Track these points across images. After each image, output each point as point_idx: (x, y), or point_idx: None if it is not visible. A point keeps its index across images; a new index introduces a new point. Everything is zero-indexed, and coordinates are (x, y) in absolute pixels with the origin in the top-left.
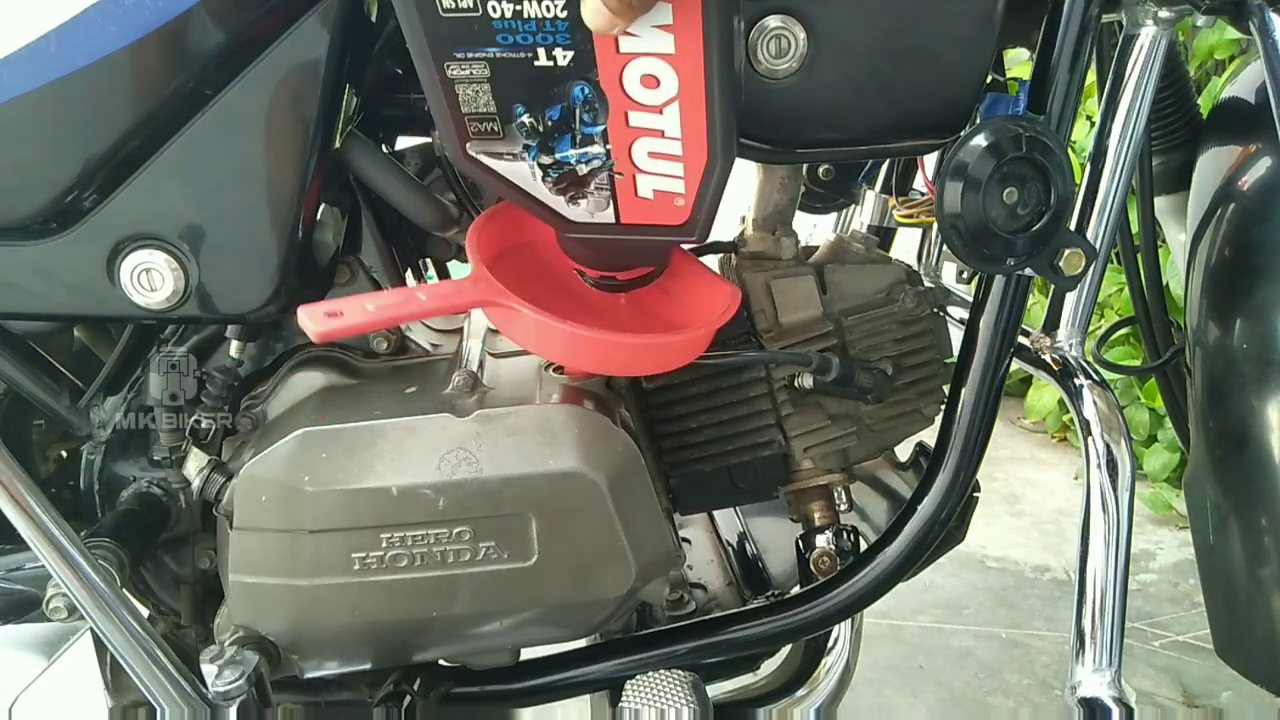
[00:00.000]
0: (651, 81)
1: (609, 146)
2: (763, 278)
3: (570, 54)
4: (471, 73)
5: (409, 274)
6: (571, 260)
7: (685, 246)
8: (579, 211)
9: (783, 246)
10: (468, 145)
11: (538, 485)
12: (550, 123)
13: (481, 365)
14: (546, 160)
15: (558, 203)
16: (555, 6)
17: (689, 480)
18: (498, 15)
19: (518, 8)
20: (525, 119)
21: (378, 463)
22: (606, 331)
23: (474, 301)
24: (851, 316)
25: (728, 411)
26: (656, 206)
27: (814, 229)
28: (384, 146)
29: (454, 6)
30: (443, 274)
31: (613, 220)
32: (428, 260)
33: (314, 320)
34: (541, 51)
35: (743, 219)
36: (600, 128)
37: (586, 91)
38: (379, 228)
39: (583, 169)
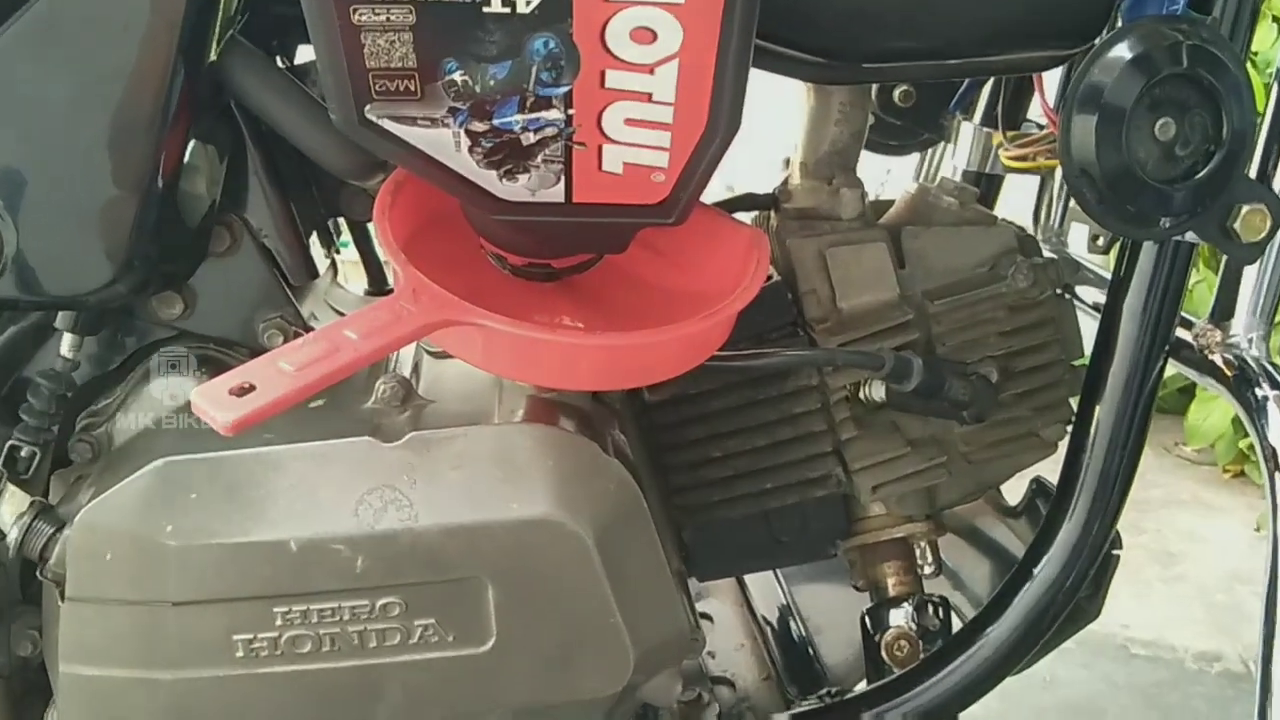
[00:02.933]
0: (645, 36)
1: (571, 112)
2: (815, 245)
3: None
4: (389, 19)
5: (314, 239)
6: (488, 243)
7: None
8: (515, 189)
9: (843, 201)
10: (367, 108)
11: (496, 539)
12: (493, 82)
13: (416, 368)
14: (479, 127)
15: (486, 179)
16: None
17: (710, 532)
18: None
19: None
20: (457, 77)
21: (269, 506)
22: (614, 335)
23: (424, 327)
24: (940, 300)
25: (765, 435)
26: (625, 183)
27: (887, 176)
28: (280, 59)
29: None
30: (362, 241)
31: (561, 200)
32: (339, 221)
33: (216, 404)
34: None
35: (786, 163)
36: (563, 89)
37: (551, 45)
38: (272, 175)
39: (529, 137)
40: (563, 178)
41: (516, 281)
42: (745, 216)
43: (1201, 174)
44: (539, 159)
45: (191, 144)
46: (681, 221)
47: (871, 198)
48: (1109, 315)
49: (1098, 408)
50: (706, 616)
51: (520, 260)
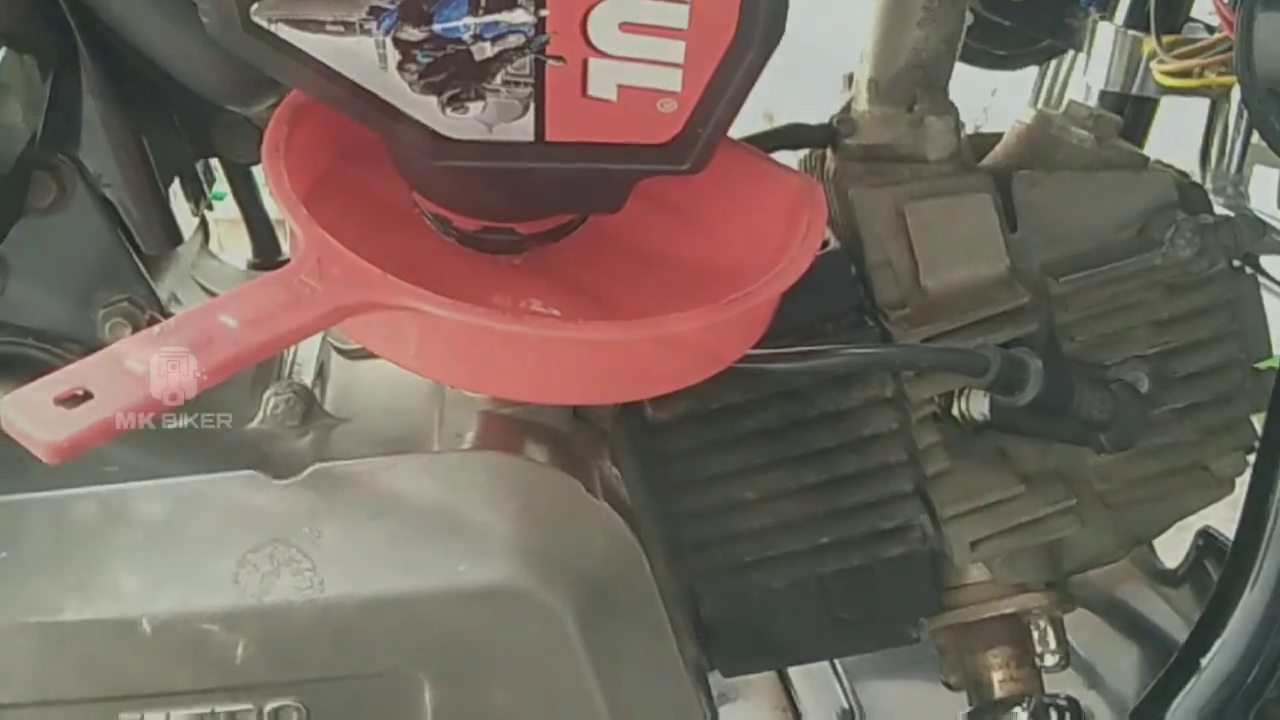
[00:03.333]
0: None
1: (544, 14)
2: (889, 198)
3: None
4: None
5: (176, 188)
6: (424, 200)
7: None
8: (464, 123)
9: (929, 135)
10: (254, 8)
11: (435, 616)
12: None
13: (322, 371)
14: (414, 35)
15: (423, 108)
16: None
17: (740, 606)
18: None
19: None
20: None
21: (114, 569)
22: (602, 326)
23: (333, 311)
24: (1068, 277)
25: (818, 468)
26: (620, 114)
27: (992, 100)
28: None
29: None
30: (245, 192)
31: (530, 137)
32: (213, 164)
33: (37, 419)
34: None
35: (848, 81)
36: None
37: None
38: (116, 99)
39: (484, 50)
40: (532, 107)
41: (466, 253)
42: (790, 158)
43: None
44: (498, 80)
45: (2, 54)
46: (700, 168)
47: (969, 130)
48: None
49: None
50: None
51: (471, 224)
